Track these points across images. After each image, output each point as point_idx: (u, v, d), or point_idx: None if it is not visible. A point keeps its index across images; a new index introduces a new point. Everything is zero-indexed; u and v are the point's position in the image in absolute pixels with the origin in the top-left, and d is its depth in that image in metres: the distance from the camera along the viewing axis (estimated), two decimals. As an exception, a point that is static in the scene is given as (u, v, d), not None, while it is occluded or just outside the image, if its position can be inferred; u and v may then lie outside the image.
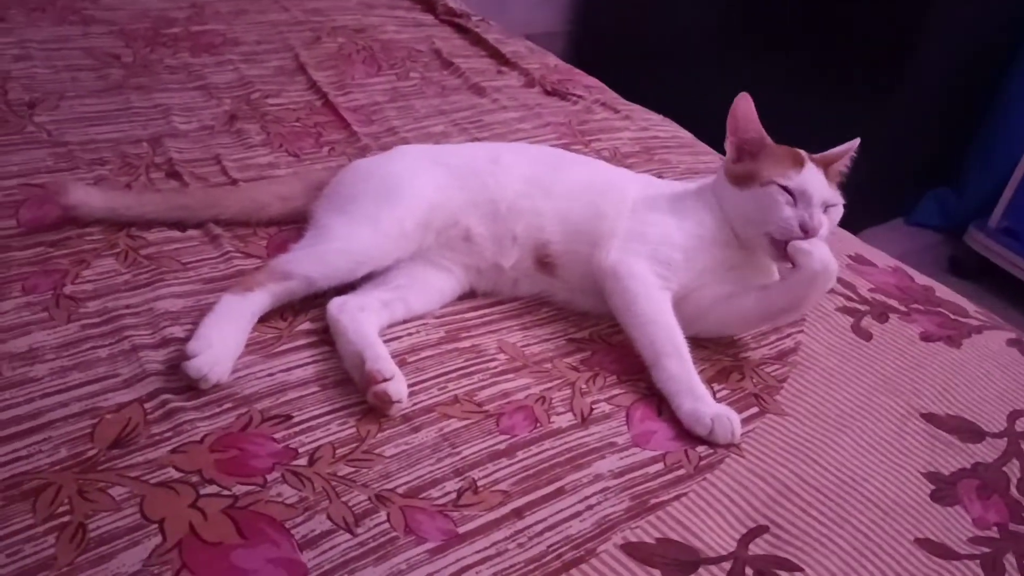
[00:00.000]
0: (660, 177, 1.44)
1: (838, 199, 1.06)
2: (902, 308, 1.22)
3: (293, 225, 1.16)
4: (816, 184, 1.03)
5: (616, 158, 1.49)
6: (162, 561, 0.73)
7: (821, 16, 2.78)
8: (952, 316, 1.23)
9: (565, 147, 1.49)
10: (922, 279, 1.34)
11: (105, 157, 1.28)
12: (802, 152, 1.07)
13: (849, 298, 1.22)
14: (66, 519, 0.75)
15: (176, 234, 1.13)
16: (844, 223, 3.20)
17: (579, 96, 1.71)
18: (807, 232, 1.00)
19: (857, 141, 1.11)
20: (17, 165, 1.22)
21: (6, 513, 0.75)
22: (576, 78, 1.82)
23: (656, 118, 1.70)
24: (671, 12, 3.17)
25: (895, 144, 2.87)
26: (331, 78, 1.63)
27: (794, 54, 2.90)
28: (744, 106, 1.06)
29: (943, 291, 1.31)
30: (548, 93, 1.71)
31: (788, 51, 2.91)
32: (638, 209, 1.09)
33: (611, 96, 1.76)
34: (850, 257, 1.33)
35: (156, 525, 0.76)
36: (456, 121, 1.53)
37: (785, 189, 1.02)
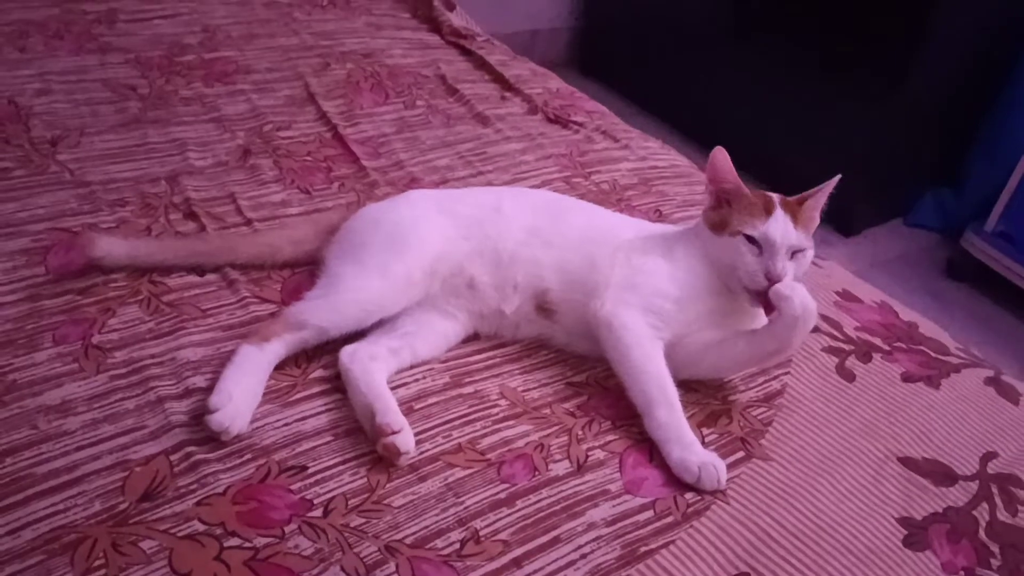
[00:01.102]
0: (658, 211, 1.50)
1: (805, 244, 1.10)
2: (885, 347, 1.28)
3: (306, 268, 1.23)
4: (781, 232, 1.07)
5: (615, 191, 1.55)
6: (191, 614, 0.80)
7: (826, 14, 2.81)
8: (933, 355, 1.29)
9: (566, 180, 1.55)
10: (907, 314, 1.39)
11: (126, 197, 1.34)
12: (774, 197, 1.11)
13: (835, 337, 1.28)
14: (102, 573, 0.82)
15: (195, 279, 1.19)
16: (845, 224, 3.21)
17: (580, 124, 1.76)
18: (771, 280, 1.05)
19: (836, 179, 1.14)
20: (44, 208, 1.29)
21: (47, 567, 0.82)
22: (577, 103, 1.87)
23: (655, 145, 1.76)
24: (677, 7, 3.22)
25: (896, 144, 2.92)
26: (340, 107, 1.69)
27: (799, 52, 2.95)
28: (721, 158, 1.12)
29: (926, 327, 1.37)
30: (550, 120, 1.76)
31: (793, 48, 2.96)
32: (633, 258, 1.14)
33: (611, 122, 1.81)
34: (837, 294, 1.39)
35: (184, 578, 0.83)
36: (461, 153, 1.59)
37: (750, 239, 1.07)
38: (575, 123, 1.76)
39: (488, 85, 1.88)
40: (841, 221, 3.06)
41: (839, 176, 1.14)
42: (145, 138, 1.50)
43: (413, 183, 1.48)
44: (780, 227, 1.07)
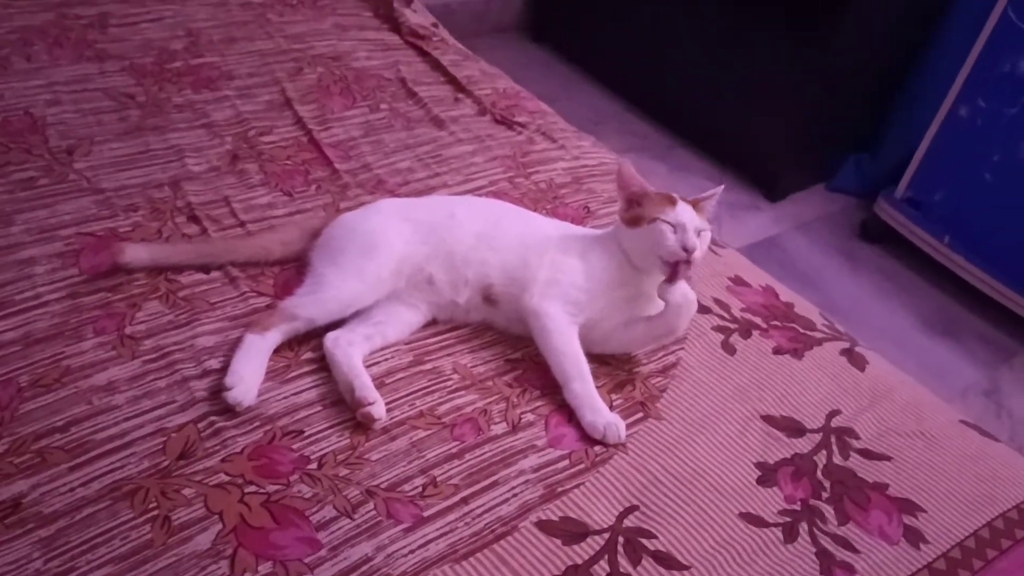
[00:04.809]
0: (586, 207, 1.79)
1: (706, 225, 1.40)
2: (763, 325, 1.59)
3: (293, 264, 1.49)
4: (689, 215, 1.36)
5: (551, 189, 1.82)
6: (224, 542, 1.08)
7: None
8: (802, 331, 1.60)
9: (510, 180, 1.82)
10: (786, 295, 1.70)
11: (137, 203, 1.59)
12: (674, 194, 1.41)
13: (723, 318, 1.58)
14: (155, 512, 1.10)
15: (203, 276, 1.45)
16: (771, 190, 3.49)
17: (523, 126, 2.02)
18: (687, 251, 1.33)
19: (720, 188, 1.45)
20: (69, 215, 1.53)
21: (113, 509, 1.10)
22: (522, 103, 2.13)
23: (587, 144, 2.03)
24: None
25: (820, 114, 3.20)
26: (313, 112, 1.93)
27: (727, 16, 3.17)
28: (626, 170, 1.40)
29: (801, 306, 1.68)
30: (497, 122, 2.03)
31: (720, 13, 3.18)
32: (556, 258, 1.43)
33: (550, 121, 2.08)
34: (730, 279, 1.69)
35: (217, 516, 1.11)
36: (420, 156, 1.85)
37: (667, 222, 1.36)
38: (519, 124, 2.03)
39: (443, 87, 2.13)
40: (768, 187, 3.35)
41: (723, 187, 1.45)
42: (147, 146, 1.73)
43: (379, 184, 1.75)
44: (687, 212, 1.37)
